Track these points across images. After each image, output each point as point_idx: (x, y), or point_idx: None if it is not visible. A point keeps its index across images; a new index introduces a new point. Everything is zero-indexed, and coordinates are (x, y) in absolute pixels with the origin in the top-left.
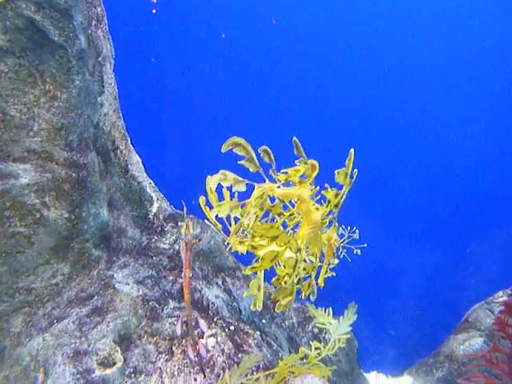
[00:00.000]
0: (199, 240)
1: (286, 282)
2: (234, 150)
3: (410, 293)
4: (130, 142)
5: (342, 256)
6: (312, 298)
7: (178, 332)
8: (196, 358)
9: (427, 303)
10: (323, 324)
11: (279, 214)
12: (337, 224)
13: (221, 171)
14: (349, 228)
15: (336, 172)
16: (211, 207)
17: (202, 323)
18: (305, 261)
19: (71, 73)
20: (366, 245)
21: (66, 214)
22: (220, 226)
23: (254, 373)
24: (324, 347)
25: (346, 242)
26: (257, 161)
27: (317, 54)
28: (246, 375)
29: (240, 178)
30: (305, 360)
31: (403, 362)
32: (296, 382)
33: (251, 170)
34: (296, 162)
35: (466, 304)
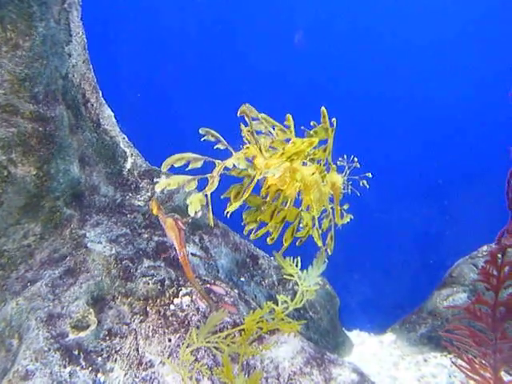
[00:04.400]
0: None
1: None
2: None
3: (393, 249)
4: (101, 95)
5: (349, 191)
6: (329, 252)
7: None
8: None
9: (411, 259)
10: (290, 275)
11: (277, 191)
12: (334, 166)
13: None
14: (345, 157)
15: (313, 132)
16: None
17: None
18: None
19: (33, 19)
20: (370, 174)
21: (33, 170)
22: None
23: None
24: (303, 305)
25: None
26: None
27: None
28: (216, 332)
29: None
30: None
31: (386, 320)
32: (271, 339)
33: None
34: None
35: (451, 259)
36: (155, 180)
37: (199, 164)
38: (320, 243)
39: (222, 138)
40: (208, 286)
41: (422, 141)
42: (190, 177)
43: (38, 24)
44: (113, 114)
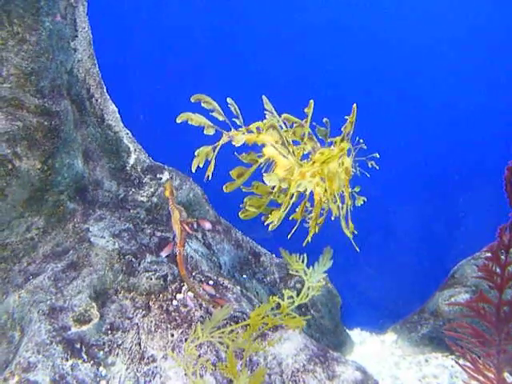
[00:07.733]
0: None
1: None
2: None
3: (395, 249)
4: (105, 90)
5: (359, 174)
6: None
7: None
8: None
9: (413, 259)
10: (297, 271)
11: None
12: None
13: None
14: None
15: (343, 128)
16: None
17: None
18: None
19: (40, 14)
20: (378, 154)
21: (38, 164)
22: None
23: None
24: (305, 303)
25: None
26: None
27: None
28: (220, 328)
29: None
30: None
31: (388, 319)
32: (275, 336)
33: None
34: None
35: (453, 260)
36: (158, 176)
37: (221, 117)
38: (348, 233)
39: (240, 116)
40: (201, 285)
41: (427, 139)
42: (209, 122)
43: (44, 19)
44: (117, 110)
